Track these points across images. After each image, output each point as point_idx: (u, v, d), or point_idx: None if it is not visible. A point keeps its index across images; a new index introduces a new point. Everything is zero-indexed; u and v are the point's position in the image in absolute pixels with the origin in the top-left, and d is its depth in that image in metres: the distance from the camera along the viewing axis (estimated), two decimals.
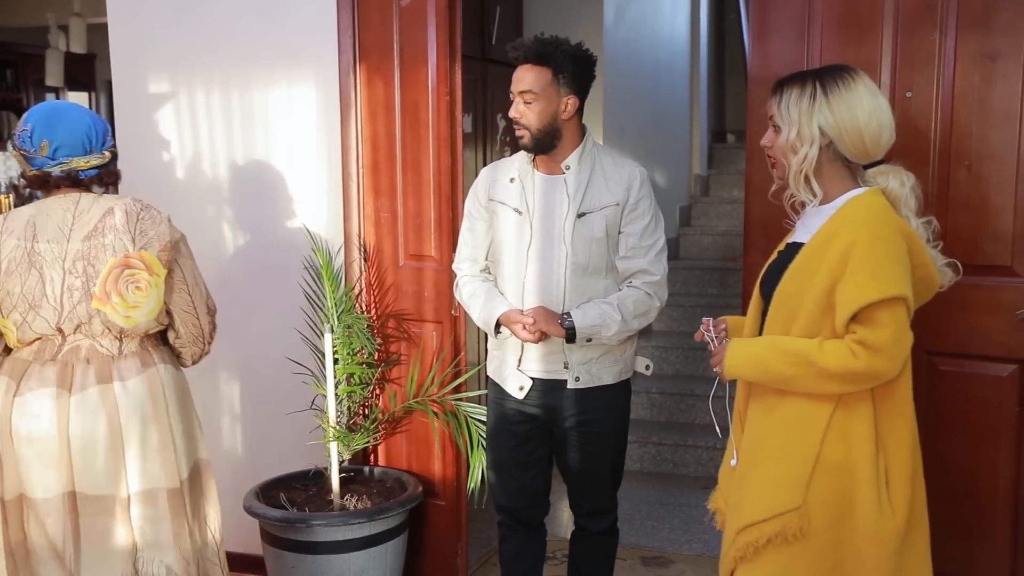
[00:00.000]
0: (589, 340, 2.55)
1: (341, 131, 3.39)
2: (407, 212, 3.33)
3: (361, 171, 3.39)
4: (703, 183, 6.78)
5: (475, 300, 2.71)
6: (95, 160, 2.42)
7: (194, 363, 2.56)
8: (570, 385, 2.63)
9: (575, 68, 2.56)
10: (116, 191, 2.61)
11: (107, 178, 2.48)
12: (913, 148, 2.56)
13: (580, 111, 2.63)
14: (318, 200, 3.46)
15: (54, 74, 7.03)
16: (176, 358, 2.53)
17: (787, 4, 2.73)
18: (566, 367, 2.62)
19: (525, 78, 2.56)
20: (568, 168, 2.61)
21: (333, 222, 3.43)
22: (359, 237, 3.41)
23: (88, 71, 7.33)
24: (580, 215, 2.58)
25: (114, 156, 2.48)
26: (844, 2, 2.66)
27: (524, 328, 2.53)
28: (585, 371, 2.62)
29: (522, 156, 2.68)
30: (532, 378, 2.66)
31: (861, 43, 2.64)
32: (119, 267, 2.33)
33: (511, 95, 2.61)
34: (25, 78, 7.47)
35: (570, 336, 2.52)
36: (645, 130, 5.61)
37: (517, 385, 2.68)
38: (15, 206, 6.53)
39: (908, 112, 2.60)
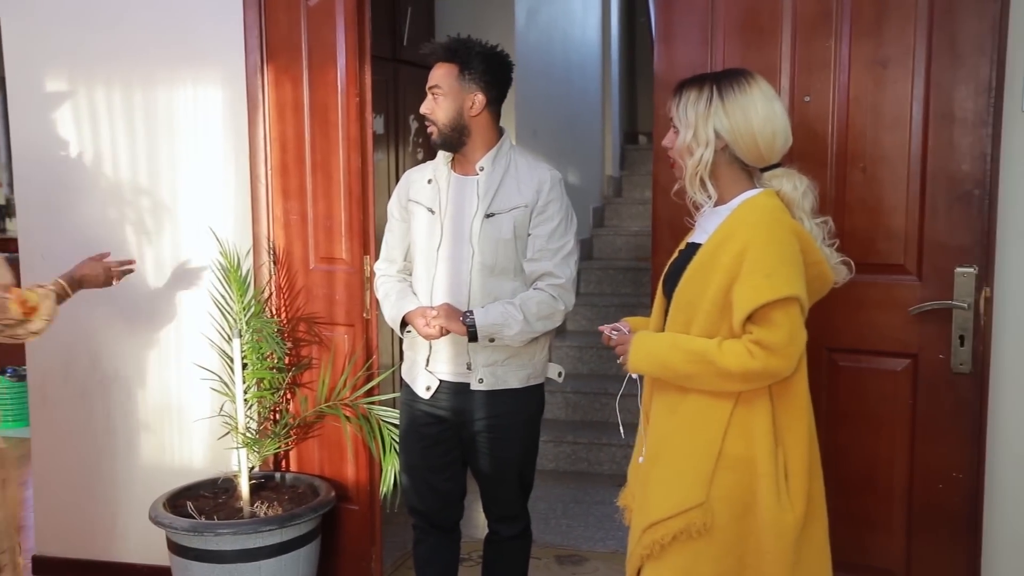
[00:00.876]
0: (492, 340, 2.56)
1: (249, 132, 3.33)
2: (317, 214, 3.29)
3: (269, 173, 3.34)
4: (616, 184, 6.87)
5: (387, 299, 2.73)
6: None
7: None
8: (474, 387, 2.63)
9: (482, 66, 2.59)
10: None
11: None
12: (812, 151, 2.64)
13: (495, 112, 2.65)
14: (225, 202, 3.39)
15: None
16: None
17: (691, 9, 2.78)
18: (469, 368, 2.63)
19: (434, 75, 2.61)
20: (482, 169, 2.63)
21: (241, 224, 3.37)
22: (268, 240, 3.36)
23: None
24: (488, 215, 2.59)
25: None
26: (745, 9, 2.73)
27: (426, 323, 2.54)
28: (489, 373, 2.63)
29: (441, 158, 2.70)
30: (440, 380, 2.67)
31: (761, 48, 2.71)
32: None
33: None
34: None
35: (472, 334, 2.54)
36: (558, 132, 5.66)
37: (424, 385, 2.68)
38: None
39: (806, 116, 2.67)
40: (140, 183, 3.46)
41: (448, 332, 2.54)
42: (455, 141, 2.61)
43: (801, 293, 1.96)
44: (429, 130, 2.63)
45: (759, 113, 2.03)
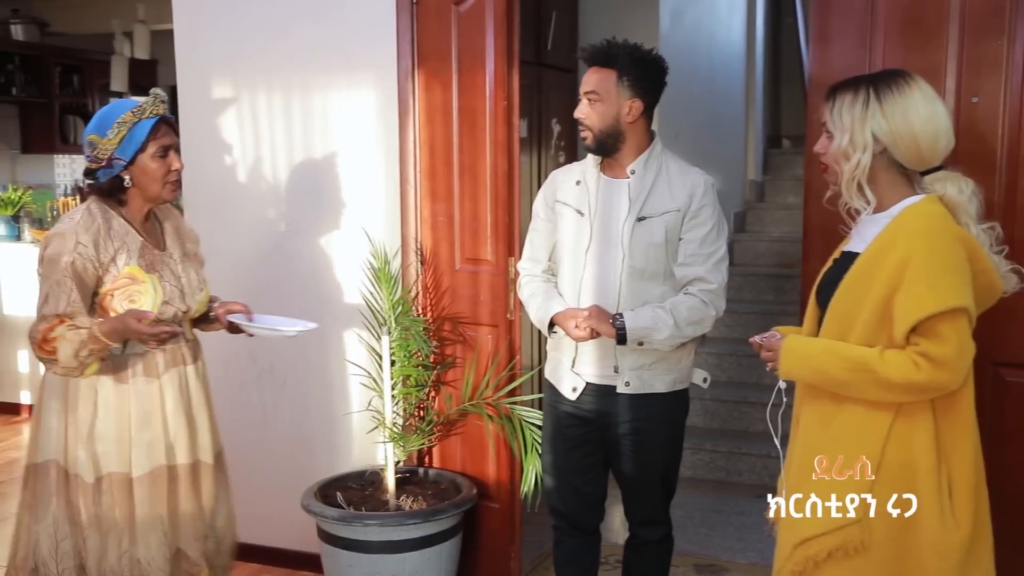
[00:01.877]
0: (640, 344, 2.55)
1: (399, 135, 3.43)
2: (463, 216, 3.36)
3: (418, 175, 3.43)
4: (758, 188, 6.71)
5: (533, 299, 2.74)
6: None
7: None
8: (620, 390, 2.62)
9: (640, 71, 2.57)
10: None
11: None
12: (979, 155, 2.52)
13: (649, 118, 2.63)
14: (376, 203, 3.50)
15: (119, 79, 7.20)
16: None
17: (849, 8, 2.70)
18: (616, 371, 2.62)
19: (590, 79, 2.59)
20: (633, 172, 2.62)
21: (391, 225, 3.47)
22: (416, 240, 3.45)
23: (150, 76, 7.50)
24: (640, 219, 2.58)
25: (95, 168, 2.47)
26: (908, 7, 2.63)
27: (576, 325, 2.54)
28: (636, 377, 2.61)
29: (590, 159, 2.70)
30: (586, 382, 2.67)
31: (925, 48, 2.61)
32: None
33: (580, 97, 2.63)
34: (91, 83, 7.66)
35: (621, 337, 2.52)
36: (700, 135, 5.58)
37: (570, 387, 2.69)
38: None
39: (974, 118, 2.55)
40: (296, 184, 3.61)
41: (598, 335, 2.55)
42: (610, 146, 2.60)
43: (968, 303, 1.87)
44: (583, 135, 2.62)
45: (920, 114, 1.95)
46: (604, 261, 2.61)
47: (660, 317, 2.53)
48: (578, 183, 2.69)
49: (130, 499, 2.48)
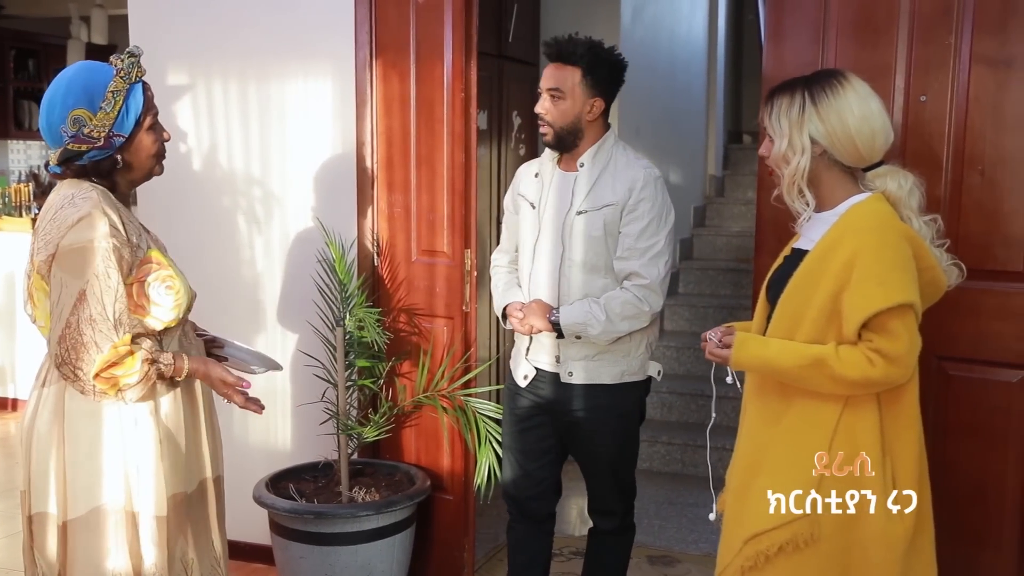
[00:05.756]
0: (578, 337, 2.57)
1: (356, 126, 3.41)
2: (420, 208, 3.35)
3: (375, 166, 3.41)
4: (718, 183, 6.77)
5: (496, 290, 2.83)
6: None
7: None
8: (564, 379, 2.66)
9: (606, 71, 2.58)
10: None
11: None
12: (926, 152, 2.55)
13: (607, 113, 2.65)
14: (332, 194, 3.48)
15: None
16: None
17: (802, 6, 2.72)
18: (559, 361, 2.66)
19: (553, 76, 2.58)
20: (582, 165, 2.63)
21: (347, 216, 3.45)
22: (372, 232, 3.43)
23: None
24: (580, 212, 2.60)
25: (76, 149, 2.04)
26: (859, 5, 2.65)
27: (518, 320, 2.61)
28: (580, 368, 2.64)
29: (548, 152, 2.72)
30: (537, 368, 2.71)
31: (876, 46, 2.64)
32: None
33: (539, 91, 2.62)
34: (47, 68, 7.54)
35: (559, 331, 2.57)
36: (661, 130, 5.61)
37: (523, 374, 2.75)
38: (35, 195, 6.58)
39: (922, 116, 2.59)
40: (252, 173, 3.58)
41: (539, 329, 2.59)
42: (568, 143, 2.62)
43: (916, 299, 1.91)
44: (543, 130, 2.62)
45: (855, 114, 1.98)
46: (551, 254, 2.65)
47: (593, 312, 2.55)
48: (536, 176, 2.73)
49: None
